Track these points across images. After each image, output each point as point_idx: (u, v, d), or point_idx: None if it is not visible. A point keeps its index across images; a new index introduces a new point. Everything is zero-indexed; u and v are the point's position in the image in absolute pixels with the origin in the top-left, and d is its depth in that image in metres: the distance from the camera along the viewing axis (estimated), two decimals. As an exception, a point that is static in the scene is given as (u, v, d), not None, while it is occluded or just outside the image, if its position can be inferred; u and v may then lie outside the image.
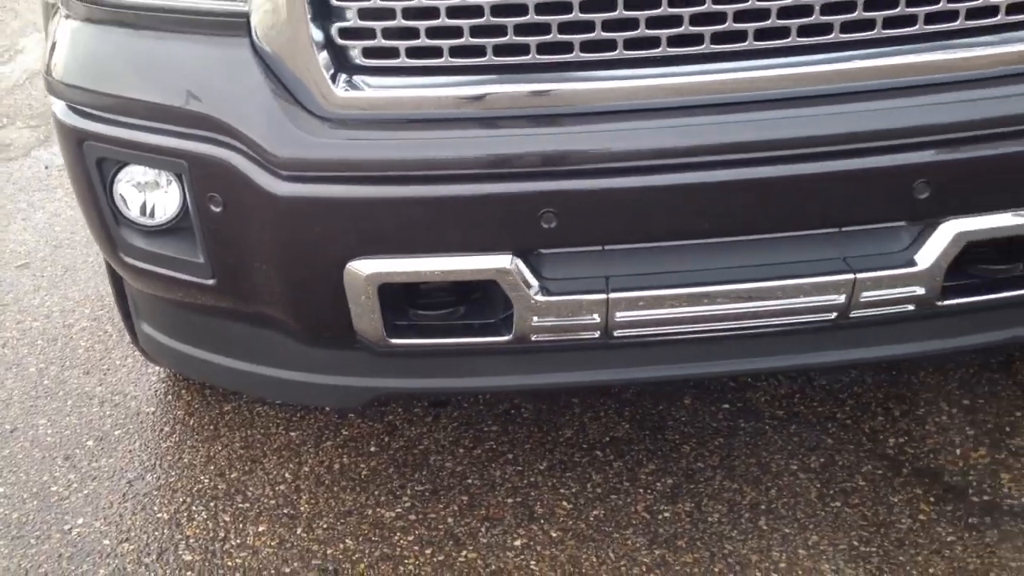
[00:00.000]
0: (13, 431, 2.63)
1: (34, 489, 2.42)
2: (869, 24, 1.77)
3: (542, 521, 2.26)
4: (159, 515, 2.33)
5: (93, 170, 2.01)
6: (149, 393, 2.75)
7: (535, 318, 1.88)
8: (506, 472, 2.41)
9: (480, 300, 1.94)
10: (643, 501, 2.30)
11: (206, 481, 2.43)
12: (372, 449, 2.50)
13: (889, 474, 2.34)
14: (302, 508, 2.33)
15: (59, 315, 3.14)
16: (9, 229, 3.72)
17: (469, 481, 2.39)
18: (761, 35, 1.77)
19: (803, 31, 1.77)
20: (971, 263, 1.97)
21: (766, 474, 2.36)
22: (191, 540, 2.26)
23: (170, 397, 2.73)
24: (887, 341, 2.12)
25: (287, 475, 2.44)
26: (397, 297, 1.91)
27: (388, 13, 1.74)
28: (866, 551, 2.14)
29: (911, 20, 1.78)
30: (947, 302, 1.95)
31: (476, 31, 1.75)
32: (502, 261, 1.82)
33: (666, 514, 2.26)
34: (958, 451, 2.40)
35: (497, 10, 1.72)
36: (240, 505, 2.35)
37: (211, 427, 2.60)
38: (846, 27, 1.77)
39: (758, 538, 2.18)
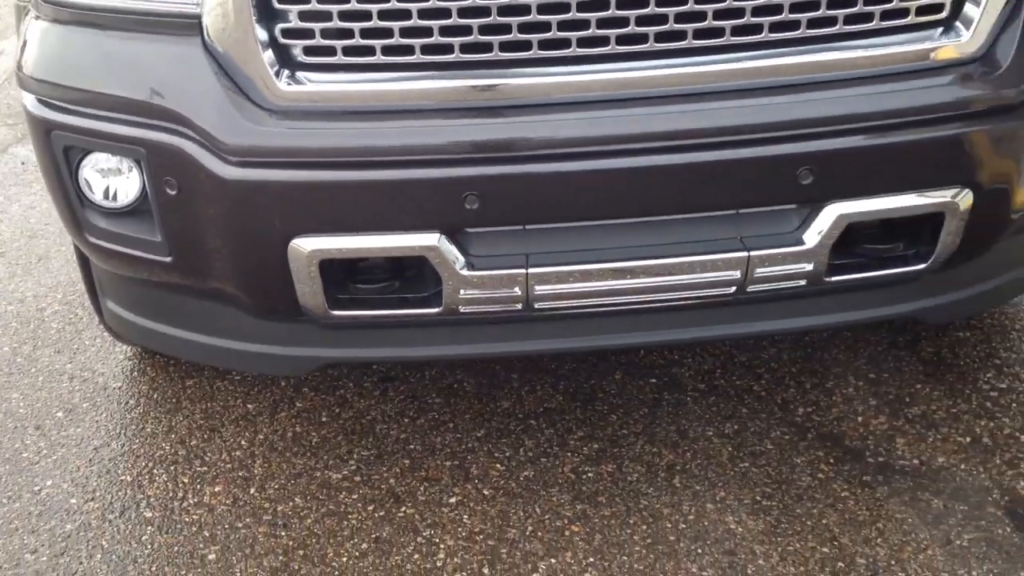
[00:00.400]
0: (-13, 404, 2.82)
1: (6, 455, 2.61)
2: (757, 28, 1.98)
3: (476, 481, 2.47)
4: (122, 478, 2.52)
5: (60, 157, 2.20)
6: (116, 370, 2.94)
7: (462, 291, 2.08)
8: (446, 439, 2.61)
9: (414, 276, 2.14)
10: (570, 463, 2.51)
11: (167, 448, 2.62)
12: (323, 419, 2.70)
13: (795, 439, 2.55)
14: (256, 471, 2.52)
15: (32, 299, 3.32)
16: (-13, 222, 3.91)
17: (411, 447, 2.59)
18: (661, 38, 1.97)
19: (698, 34, 1.98)
20: (858, 243, 2.19)
21: (684, 439, 2.57)
22: (151, 499, 2.45)
23: (135, 373, 2.92)
24: (787, 315, 2.34)
25: (243, 442, 2.63)
26: (338, 272, 2.10)
27: (326, 15, 1.94)
28: (767, 505, 2.35)
29: (794, 25, 1.99)
30: (835, 278, 2.16)
31: (405, 32, 1.95)
32: (431, 239, 2.02)
33: (590, 474, 2.47)
34: (860, 419, 2.61)
35: (424, 13, 1.92)
36: (198, 469, 2.54)
37: (173, 400, 2.79)
38: (736, 31, 1.98)
39: (671, 494, 2.39)
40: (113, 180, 2.19)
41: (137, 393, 2.83)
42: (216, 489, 2.47)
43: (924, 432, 2.56)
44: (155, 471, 2.54)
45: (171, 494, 2.46)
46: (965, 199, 2.09)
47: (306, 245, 2.02)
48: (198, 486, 2.49)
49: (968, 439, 2.53)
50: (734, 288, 2.14)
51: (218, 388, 2.83)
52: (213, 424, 2.70)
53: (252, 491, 2.46)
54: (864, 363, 2.82)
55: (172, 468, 2.55)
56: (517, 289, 2.08)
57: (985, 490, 2.38)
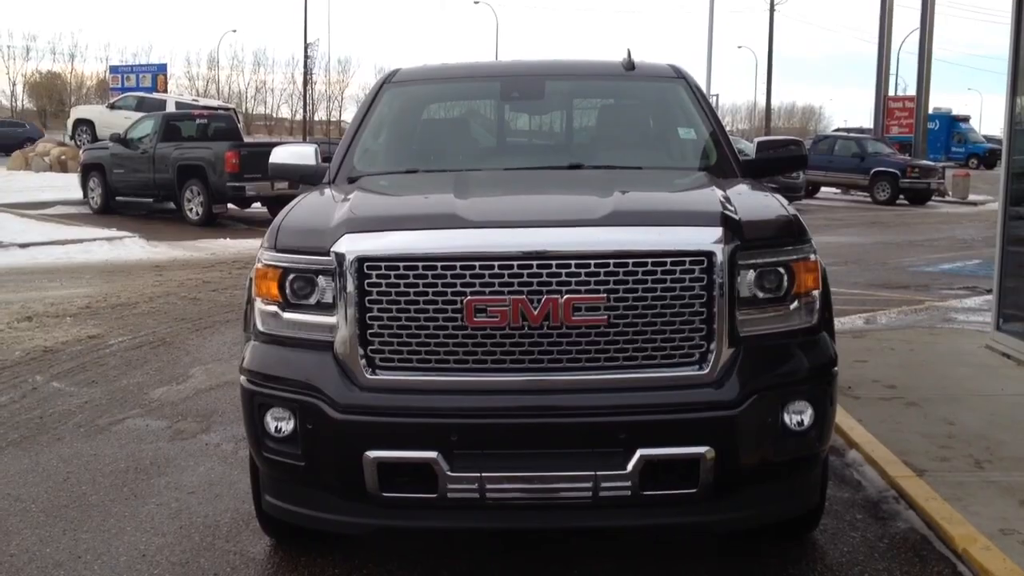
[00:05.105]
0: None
1: (198, 582, 4.61)
2: (595, 358, 4.04)
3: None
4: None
5: (256, 411, 4.32)
6: (261, 549, 4.92)
7: (448, 484, 4.03)
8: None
9: (426, 474, 4.09)
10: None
11: (287, 586, 4.57)
12: (377, 579, 4.63)
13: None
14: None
15: (213, 515, 5.38)
16: (183, 477, 6.04)
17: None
18: (553, 360, 4.05)
19: (570, 360, 4.04)
20: (660, 474, 4.08)
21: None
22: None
23: (272, 552, 4.89)
24: (630, 517, 4.20)
25: (330, 586, 4.56)
26: (387, 471, 4.07)
27: (389, 344, 4.09)
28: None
29: (614, 359, 4.04)
30: (646, 492, 4.05)
31: (426, 355, 4.07)
32: (432, 454, 4.02)
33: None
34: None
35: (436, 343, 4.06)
36: (303, 595, 4.48)
37: (293, 565, 4.75)
38: (589, 359, 4.04)
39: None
40: (280, 422, 4.28)
41: (272, 563, 4.81)
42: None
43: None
44: (279, 594, 4.49)
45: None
46: (710, 453, 4.00)
47: (372, 454, 4.03)
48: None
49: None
50: (591, 493, 4.04)
51: (318, 564, 4.78)
52: (314, 579, 4.65)
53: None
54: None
55: (288, 593, 4.49)
56: (476, 484, 4.04)
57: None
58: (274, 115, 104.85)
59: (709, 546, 4.83)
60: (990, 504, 5.13)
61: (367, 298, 4.08)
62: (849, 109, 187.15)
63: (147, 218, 22.95)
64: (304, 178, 5.97)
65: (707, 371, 4.07)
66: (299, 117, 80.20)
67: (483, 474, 4.02)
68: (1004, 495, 5.26)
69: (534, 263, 3.99)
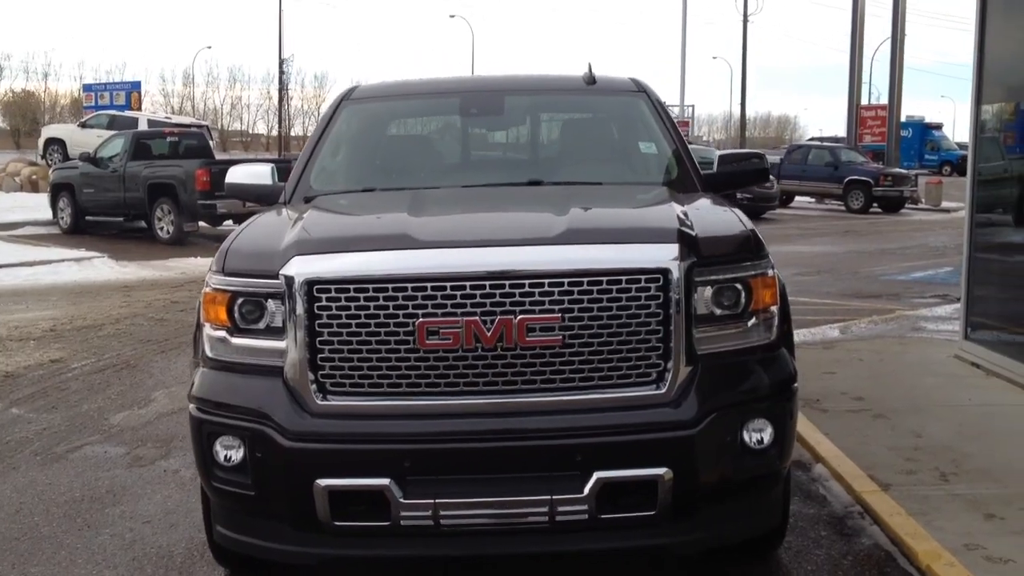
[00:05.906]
0: (138, 594, 4.70)
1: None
2: (549, 381, 3.96)
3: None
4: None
5: (204, 438, 4.21)
6: (215, 580, 4.82)
7: (401, 512, 3.94)
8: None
9: (378, 501, 4.00)
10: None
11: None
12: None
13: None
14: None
15: (166, 546, 5.26)
16: (138, 506, 5.91)
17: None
18: (507, 382, 3.96)
19: (525, 381, 3.96)
20: (618, 496, 3.99)
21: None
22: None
23: (227, 582, 4.80)
24: (590, 540, 4.10)
25: (284, 617, 4.45)
26: (338, 499, 3.98)
27: (340, 369, 4.00)
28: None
29: (570, 380, 3.96)
30: (604, 516, 3.97)
31: (375, 380, 3.98)
32: (385, 481, 3.93)
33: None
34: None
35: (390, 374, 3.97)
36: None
37: (247, 594, 4.65)
38: (544, 381, 3.96)
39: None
40: (229, 451, 4.17)
41: (226, 592, 4.70)
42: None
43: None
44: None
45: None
46: (668, 474, 3.92)
47: (323, 483, 3.93)
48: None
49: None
50: (547, 517, 3.95)
51: (274, 591, 4.68)
52: (268, 608, 4.53)
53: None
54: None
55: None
56: (430, 511, 3.94)
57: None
58: (250, 131, 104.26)
59: (671, 564, 4.74)
60: (955, 519, 5.07)
61: (317, 322, 3.98)
62: (824, 118, 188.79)
63: (117, 237, 22.76)
64: (260, 198, 5.88)
65: (664, 390, 3.99)
66: (275, 133, 79.73)
67: (437, 500, 3.93)
68: (969, 509, 5.20)
69: (487, 283, 3.90)
